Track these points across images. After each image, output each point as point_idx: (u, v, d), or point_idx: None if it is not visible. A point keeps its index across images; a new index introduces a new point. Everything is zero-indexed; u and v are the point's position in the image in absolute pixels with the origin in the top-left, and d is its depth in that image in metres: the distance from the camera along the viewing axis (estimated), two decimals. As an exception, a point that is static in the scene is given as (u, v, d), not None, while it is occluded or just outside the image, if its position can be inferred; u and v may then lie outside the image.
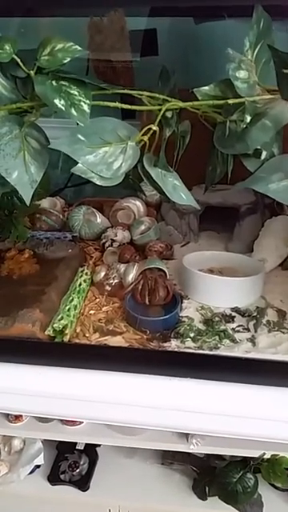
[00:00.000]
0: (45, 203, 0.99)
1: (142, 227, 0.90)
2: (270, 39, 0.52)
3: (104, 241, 0.89)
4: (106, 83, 0.62)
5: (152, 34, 0.97)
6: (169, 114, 0.58)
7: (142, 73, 1.00)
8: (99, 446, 1.07)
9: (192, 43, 1.00)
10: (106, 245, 0.88)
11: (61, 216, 0.98)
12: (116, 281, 0.78)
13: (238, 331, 0.70)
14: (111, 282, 0.78)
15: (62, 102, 0.51)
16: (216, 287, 0.75)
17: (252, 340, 0.68)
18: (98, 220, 0.93)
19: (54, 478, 1.02)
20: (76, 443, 1.06)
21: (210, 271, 0.81)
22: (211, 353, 0.66)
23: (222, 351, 0.66)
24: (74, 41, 0.55)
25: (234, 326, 0.71)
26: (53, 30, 0.89)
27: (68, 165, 0.55)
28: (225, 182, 0.68)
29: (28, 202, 0.55)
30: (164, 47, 0.99)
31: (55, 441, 1.07)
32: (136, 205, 0.94)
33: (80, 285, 0.77)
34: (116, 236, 0.89)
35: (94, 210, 0.94)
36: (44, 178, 0.57)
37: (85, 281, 0.79)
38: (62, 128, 0.60)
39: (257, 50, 0.52)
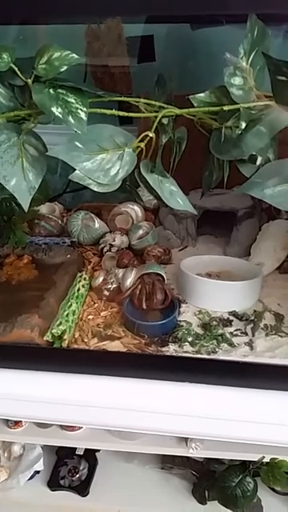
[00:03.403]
0: (43, 209, 1.00)
1: (140, 232, 0.90)
2: (265, 46, 0.53)
3: (102, 246, 0.90)
4: (104, 89, 0.63)
5: (149, 41, 0.98)
6: (165, 121, 0.58)
7: (140, 78, 1.01)
8: (99, 450, 1.07)
9: (189, 49, 1.01)
10: (105, 250, 0.89)
11: (59, 221, 0.98)
12: (114, 286, 0.78)
13: (236, 335, 0.70)
14: (109, 286, 0.78)
15: (60, 110, 0.52)
16: (214, 291, 0.75)
17: (250, 344, 0.68)
18: (97, 225, 0.93)
19: (53, 484, 1.02)
20: (75, 448, 1.06)
21: (208, 275, 0.81)
22: (209, 357, 0.66)
23: (220, 355, 0.66)
24: (71, 47, 0.55)
25: (231, 330, 0.71)
26: (51, 37, 0.90)
27: (66, 170, 0.55)
28: (221, 186, 0.69)
29: (26, 209, 0.55)
30: (161, 53, 0.99)
31: (55, 446, 1.07)
32: (134, 210, 0.95)
33: (78, 290, 0.78)
34: (114, 241, 0.89)
35: (93, 215, 0.94)
36: (42, 183, 0.57)
37: (83, 286, 0.79)
38: (60, 134, 0.61)
39: (251, 57, 0.52)
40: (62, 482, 1.02)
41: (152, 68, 0.99)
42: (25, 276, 0.81)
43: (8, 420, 0.91)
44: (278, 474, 0.84)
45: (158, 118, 0.56)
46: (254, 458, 0.82)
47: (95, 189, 0.55)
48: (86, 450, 1.06)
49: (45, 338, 0.67)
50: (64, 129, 0.53)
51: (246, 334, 0.70)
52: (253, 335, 0.70)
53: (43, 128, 0.58)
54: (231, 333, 0.70)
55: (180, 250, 0.93)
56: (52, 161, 0.56)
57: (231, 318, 0.73)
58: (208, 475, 0.95)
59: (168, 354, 0.67)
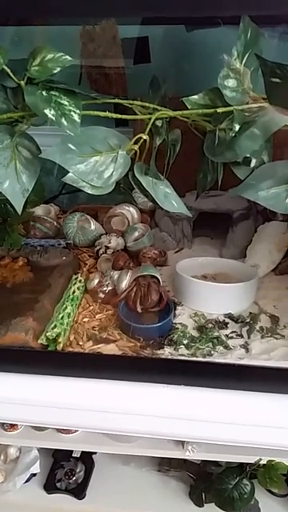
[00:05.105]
0: (39, 210, 0.99)
1: (136, 234, 0.90)
2: (258, 48, 0.53)
3: (98, 248, 0.89)
4: (100, 91, 0.63)
5: (144, 42, 0.98)
6: (159, 123, 0.58)
7: (135, 80, 1.00)
8: (95, 453, 1.07)
9: (184, 50, 1.01)
10: (100, 252, 0.88)
11: (55, 223, 0.98)
12: (109, 288, 0.78)
13: (232, 337, 0.70)
14: (105, 289, 0.78)
15: (53, 112, 0.51)
16: (209, 293, 0.75)
17: (245, 346, 0.68)
18: (92, 227, 0.93)
19: (50, 487, 1.01)
20: (72, 451, 1.06)
21: (204, 277, 0.81)
22: (205, 360, 0.66)
23: (216, 358, 0.66)
24: (66, 49, 0.55)
25: (227, 332, 0.70)
26: (46, 39, 0.90)
27: (63, 172, 0.55)
28: (216, 188, 0.69)
29: (20, 211, 0.55)
30: (156, 54, 0.99)
31: (51, 449, 1.06)
32: (130, 211, 0.94)
33: (74, 292, 0.77)
34: (110, 243, 0.89)
35: (88, 216, 0.94)
36: (38, 185, 0.57)
37: (78, 288, 0.79)
38: (55, 135, 0.61)
39: (245, 59, 0.52)
40: (58, 484, 1.01)
41: (148, 69, 0.99)
42: (20, 278, 0.80)
43: (3, 423, 0.90)
44: (275, 476, 0.84)
45: (152, 120, 0.55)
46: (251, 460, 0.82)
47: (89, 191, 0.55)
48: (83, 452, 1.06)
49: (39, 341, 0.67)
50: (60, 130, 0.53)
51: (242, 336, 0.70)
52: (248, 337, 0.69)
53: (39, 130, 0.58)
54: (227, 335, 0.70)
55: (176, 252, 0.93)
56: (48, 162, 0.56)
57: (227, 320, 0.73)
58: (205, 477, 0.95)
59: (163, 356, 0.66)
